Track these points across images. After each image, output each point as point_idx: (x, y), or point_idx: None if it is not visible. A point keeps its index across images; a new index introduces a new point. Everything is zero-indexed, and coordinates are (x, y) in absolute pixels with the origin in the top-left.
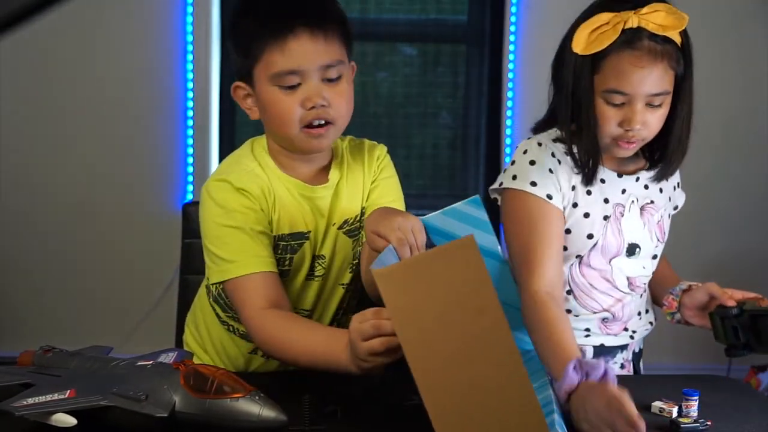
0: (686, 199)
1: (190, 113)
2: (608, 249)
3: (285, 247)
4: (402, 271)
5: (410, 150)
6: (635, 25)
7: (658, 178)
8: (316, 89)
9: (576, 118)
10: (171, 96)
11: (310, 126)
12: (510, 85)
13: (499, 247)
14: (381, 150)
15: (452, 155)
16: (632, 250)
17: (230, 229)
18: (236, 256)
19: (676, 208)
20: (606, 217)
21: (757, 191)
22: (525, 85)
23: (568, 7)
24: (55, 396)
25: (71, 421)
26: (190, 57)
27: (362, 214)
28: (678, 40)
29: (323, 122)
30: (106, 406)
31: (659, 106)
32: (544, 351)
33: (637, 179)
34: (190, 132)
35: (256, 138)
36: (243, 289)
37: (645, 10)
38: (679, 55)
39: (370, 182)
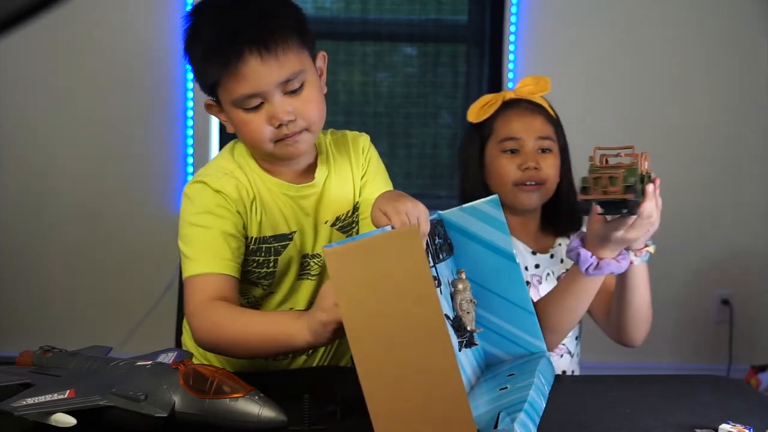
0: (686, 200)
1: (190, 113)
2: None
3: (268, 249)
4: (350, 252)
5: (410, 150)
6: (513, 97)
7: (558, 233)
8: (280, 106)
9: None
10: (171, 96)
11: (281, 139)
12: (510, 85)
13: (513, 248)
14: (365, 140)
15: (452, 155)
16: None
17: (199, 228)
18: (198, 254)
19: None
20: (527, 283)
21: (758, 191)
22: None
23: (567, 8)
24: (55, 396)
25: (71, 421)
26: None
27: (355, 209)
28: (551, 112)
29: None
30: (105, 406)
31: (549, 151)
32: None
33: (552, 256)
34: (190, 132)
35: (237, 140)
36: (196, 285)
37: (518, 85)
38: (556, 122)
39: (360, 177)
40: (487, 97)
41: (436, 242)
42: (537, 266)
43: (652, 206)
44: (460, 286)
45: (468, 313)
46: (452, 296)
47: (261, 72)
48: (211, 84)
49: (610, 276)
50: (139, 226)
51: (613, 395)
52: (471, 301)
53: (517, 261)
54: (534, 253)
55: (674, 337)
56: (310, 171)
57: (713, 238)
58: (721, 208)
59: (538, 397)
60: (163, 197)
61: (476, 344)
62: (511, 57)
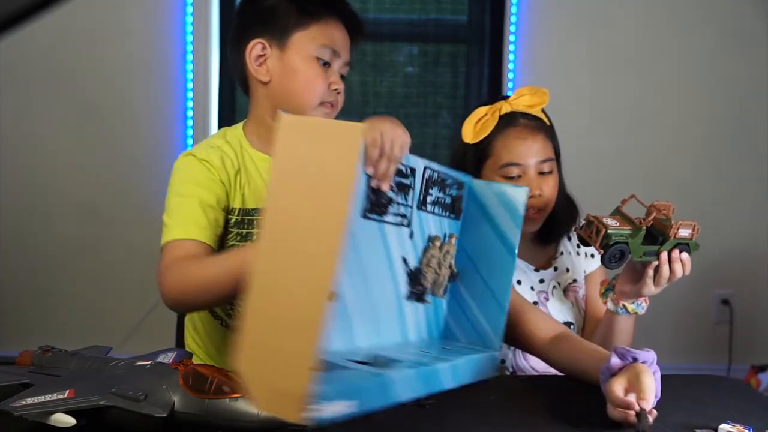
0: (686, 200)
1: (190, 113)
2: None
3: (251, 222)
4: (302, 125)
5: (410, 150)
6: (509, 110)
7: (546, 240)
8: (338, 77)
9: None
10: (171, 96)
11: (322, 103)
12: (510, 85)
13: (518, 242)
14: None
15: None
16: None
17: (180, 197)
18: (175, 222)
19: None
20: (535, 303)
21: (757, 191)
22: (525, 85)
23: (567, 8)
24: (55, 396)
25: (70, 421)
26: (190, 57)
27: None
28: (545, 119)
29: (330, 105)
30: (105, 406)
31: (550, 173)
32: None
33: (555, 269)
34: (190, 132)
35: (229, 128)
36: (169, 249)
37: (513, 96)
38: (552, 131)
39: None
40: (480, 111)
41: (432, 192)
42: (542, 281)
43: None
44: (437, 244)
45: (435, 272)
46: (425, 250)
47: (347, 41)
48: (304, 22)
49: (597, 308)
50: (139, 226)
51: None
52: (449, 266)
53: (521, 281)
54: (537, 269)
55: (674, 337)
56: None
57: (713, 238)
58: (721, 209)
59: (445, 373)
60: (163, 197)
61: (428, 303)
62: (511, 57)
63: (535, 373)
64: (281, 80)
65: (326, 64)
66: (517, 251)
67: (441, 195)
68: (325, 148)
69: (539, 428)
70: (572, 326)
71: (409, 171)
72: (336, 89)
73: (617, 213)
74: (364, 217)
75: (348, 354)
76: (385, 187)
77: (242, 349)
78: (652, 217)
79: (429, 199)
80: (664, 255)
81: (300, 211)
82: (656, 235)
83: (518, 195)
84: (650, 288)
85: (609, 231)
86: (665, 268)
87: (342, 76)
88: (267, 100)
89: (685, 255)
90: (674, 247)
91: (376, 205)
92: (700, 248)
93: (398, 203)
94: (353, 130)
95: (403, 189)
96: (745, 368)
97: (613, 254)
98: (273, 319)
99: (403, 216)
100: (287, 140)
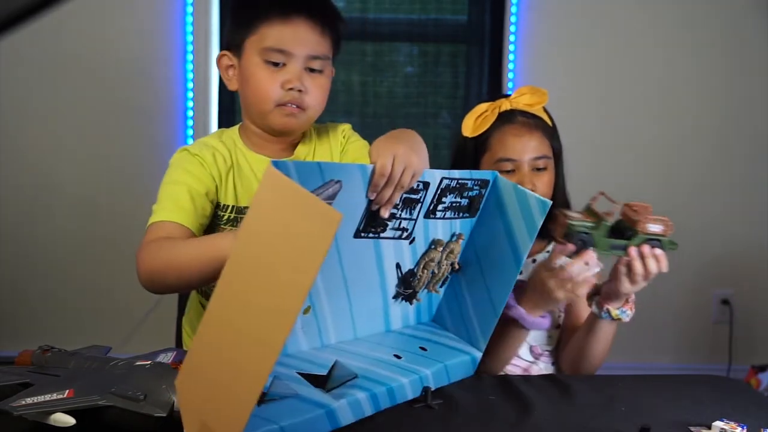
0: (686, 200)
1: (190, 113)
2: None
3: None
4: (284, 184)
5: None
6: (509, 108)
7: (547, 237)
8: (297, 74)
9: None
10: (171, 96)
11: (283, 105)
12: (510, 85)
13: (527, 252)
14: (345, 126)
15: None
16: None
17: (170, 185)
18: (162, 206)
19: None
20: None
21: (757, 191)
22: (524, 85)
23: (567, 7)
24: (54, 396)
25: (70, 420)
26: (190, 57)
27: None
28: (547, 119)
29: (295, 105)
30: (104, 406)
31: (544, 169)
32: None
33: (534, 261)
34: (190, 132)
35: (226, 129)
36: (150, 230)
37: (514, 95)
38: (553, 131)
39: (339, 152)
40: (481, 107)
41: (446, 199)
42: (520, 272)
43: (579, 268)
44: (440, 248)
45: (433, 272)
46: (425, 253)
47: (302, 37)
48: (250, 29)
49: (578, 317)
50: (139, 226)
51: (611, 393)
52: (451, 264)
53: None
54: None
55: (674, 337)
56: (291, 151)
57: (712, 238)
58: (721, 208)
59: (402, 390)
60: None
61: (419, 301)
62: (511, 57)
63: (519, 370)
64: (241, 88)
65: (278, 65)
66: (523, 262)
67: (456, 200)
68: (300, 220)
69: (539, 428)
70: (546, 317)
71: (421, 186)
72: (292, 88)
73: (586, 209)
74: (358, 236)
75: (310, 356)
76: (385, 214)
77: (185, 368)
78: (616, 210)
79: (441, 206)
80: (633, 250)
81: (263, 267)
82: (625, 230)
83: (540, 206)
84: (626, 285)
85: (570, 222)
86: (637, 264)
87: (314, 71)
88: (244, 110)
89: (658, 251)
90: (644, 242)
91: (372, 225)
92: (700, 248)
93: (401, 218)
94: (331, 216)
95: (409, 204)
96: (745, 368)
97: (574, 244)
98: (220, 354)
99: (404, 230)
100: (266, 192)
